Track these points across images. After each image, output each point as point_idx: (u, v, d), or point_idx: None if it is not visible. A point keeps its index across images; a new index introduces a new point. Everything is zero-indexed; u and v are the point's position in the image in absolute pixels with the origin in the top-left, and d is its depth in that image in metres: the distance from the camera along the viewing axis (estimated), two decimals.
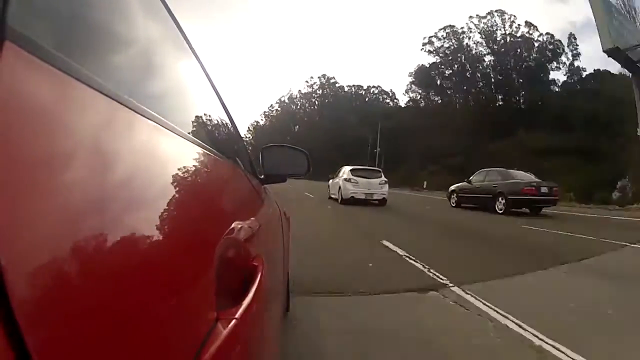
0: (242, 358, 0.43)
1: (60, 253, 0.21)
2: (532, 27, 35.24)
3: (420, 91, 42.43)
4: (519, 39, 35.41)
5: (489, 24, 36.69)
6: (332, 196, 11.86)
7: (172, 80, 0.69)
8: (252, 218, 0.74)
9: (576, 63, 33.25)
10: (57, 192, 0.22)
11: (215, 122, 0.92)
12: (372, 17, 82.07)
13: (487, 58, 37.03)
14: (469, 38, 38.00)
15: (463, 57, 38.21)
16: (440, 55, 39.88)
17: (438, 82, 40.48)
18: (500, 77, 35.39)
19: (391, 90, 59.22)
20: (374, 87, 57.07)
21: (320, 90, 60.64)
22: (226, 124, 1.07)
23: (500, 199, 9.21)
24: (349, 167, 11.00)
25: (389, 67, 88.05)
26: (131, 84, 0.44)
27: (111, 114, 0.32)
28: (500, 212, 9.08)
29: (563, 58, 34.12)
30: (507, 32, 36.03)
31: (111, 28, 0.42)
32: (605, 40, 13.61)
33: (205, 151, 0.61)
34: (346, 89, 58.84)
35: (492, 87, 36.06)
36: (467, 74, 38.01)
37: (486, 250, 4.49)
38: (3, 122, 0.19)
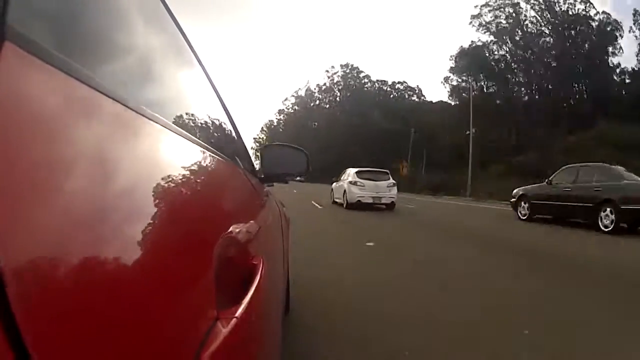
0: (242, 358, 0.43)
1: (60, 253, 0.21)
2: (588, 4, 28.80)
3: (464, 78, 33.54)
4: (577, 17, 28.94)
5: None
6: (337, 200, 10.96)
7: (172, 80, 0.69)
8: (252, 218, 0.74)
9: None
10: (57, 193, 0.22)
11: (215, 121, 0.92)
12: (395, 6, 76.98)
13: (546, 38, 29.83)
14: (525, 14, 30.47)
15: (520, 35, 30.68)
16: (492, 31, 31.88)
17: (494, 68, 31.86)
18: (562, 60, 28.11)
19: (417, 86, 54.57)
20: (398, 82, 51.76)
21: (342, 82, 54.71)
22: (226, 123, 1.07)
23: (607, 209, 6.01)
24: (354, 169, 10.26)
25: (414, 63, 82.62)
26: (131, 83, 0.44)
27: (111, 114, 0.32)
28: (607, 229, 5.93)
29: (622, 41, 28.00)
30: (563, 8, 29.25)
31: (111, 28, 0.42)
32: None
33: (205, 151, 0.61)
34: (370, 81, 53.15)
35: (557, 72, 28.23)
36: (527, 54, 30.43)
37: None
38: (3, 123, 0.19)
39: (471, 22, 33.20)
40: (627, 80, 27.49)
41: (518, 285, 3.00)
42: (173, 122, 0.50)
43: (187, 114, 0.69)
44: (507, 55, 32.23)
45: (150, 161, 0.38)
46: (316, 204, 10.86)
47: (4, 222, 0.18)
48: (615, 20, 28.48)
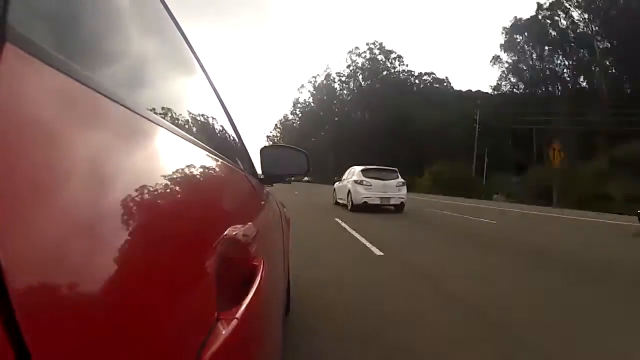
0: (243, 358, 0.43)
1: (60, 253, 0.21)
2: None
3: (518, 56, 26.70)
4: None
5: None
6: (340, 201, 10.17)
7: (172, 82, 0.69)
8: (252, 218, 0.74)
9: None
10: (57, 193, 0.22)
11: (215, 122, 0.92)
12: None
13: None
14: None
15: None
16: None
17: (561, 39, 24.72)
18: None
19: (446, 77, 49.49)
20: (425, 73, 46.03)
21: (369, 64, 46.87)
22: (226, 124, 1.07)
23: None
24: (359, 167, 9.42)
25: (438, 53, 74.68)
26: (130, 84, 0.44)
27: (110, 115, 0.32)
28: None
29: None
30: None
31: (111, 29, 0.42)
32: None
33: (205, 152, 0.61)
34: (401, 62, 46.13)
35: None
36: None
37: None
38: (3, 124, 0.19)
39: None
40: None
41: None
42: (173, 124, 0.50)
43: (187, 115, 0.69)
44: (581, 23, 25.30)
45: (150, 162, 0.38)
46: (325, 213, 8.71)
47: (4, 222, 0.18)
48: None
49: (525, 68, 29.55)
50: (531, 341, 1.92)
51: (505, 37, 30.51)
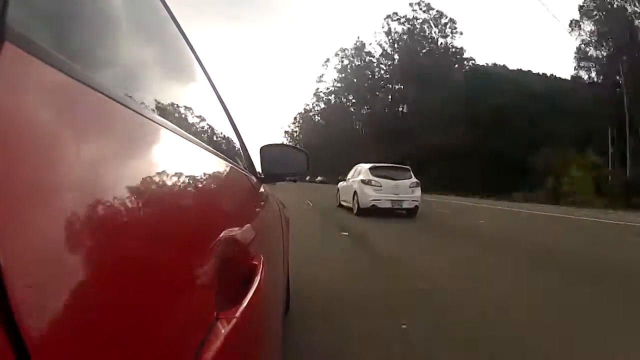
0: (242, 357, 0.44)
1: (60, 253, 0.21)
2: None
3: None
4: None
5: None
6: (343, 204, 9.00)
7: (171, 80, 0.69)
8: (252, 217, 0.74)
9: None
10: (57, 193, 0.22)
11: (214, 121, 0.92)
12: None
13: None
14: None
15: None
16: None
17: None
18: None
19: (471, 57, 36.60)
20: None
21: (415, 31, 35.16)
22: (225, 123, 1.07)
23: None
24: (367, 165, 8.31)
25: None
26: (130, 84, 0.44)
27: (110, 114, 0.32)
28: None
29: None
30: None
31: (111, 29, 0.42)
32: None
33: (204, 150, 0.61)
34: (450, 34, 34.71)
35: None
36: None
37: None
38: (2, 123, 0.19)
39: None
40: None
41: None
42: (174, 123, 0.50)
43: (187, 114, 0.69)
44: None
45: (150, 162, 0.38)
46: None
47: (4, 222, 0.18)
48: None
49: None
50: None
51: None
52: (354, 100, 42.72)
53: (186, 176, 0.46)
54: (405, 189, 7.80)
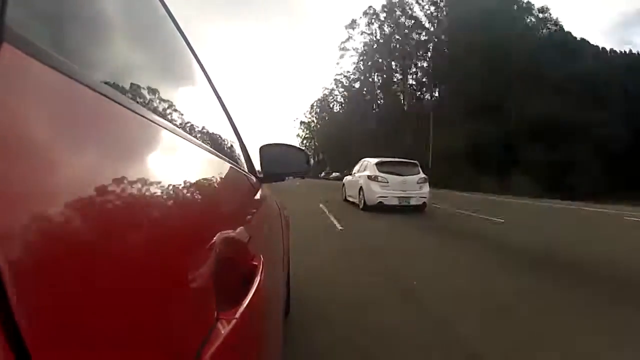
0: (243, 357, 0.43)
1: (60, 253, 0.21)
2: None
3: None
4: None
5: None
6: (349, 199, 8.95)
7: (170, 80, 0.69)
8: (252, 217, 0.74)
9: None
10: (57, 193, 0.22)
11: (213, 120, 0.92)
12: None
13: None
14: None
15: None
16: None
17: None
18: None
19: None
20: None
21: None
22: (224, 122, 1.07)
23: None
24: (374, 160, 8.05)
25: None
26: (128, 84, 0.44)
27: (109, 115, 0.32)
28: None
29: None
30: None
31: (110, 29, 0.42)
32: None
33: (204, 150, 0.61)
34: None
35: None
36: None
37: None
38: (1, 124, 0.19)
39: None
40: None
41: None
42: (173, 123, 0.50)
43: (185, 113, 0.69)
44: None
45: (149, 161, 0.38)
46: None
47: (4, 222, 0.18)
48: None
49: None
50: None
51: None
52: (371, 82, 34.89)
53: (185, 176, 0.46)
54: (413, 185, 7.53)
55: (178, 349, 0.31)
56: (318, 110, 49.51)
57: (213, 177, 0.61)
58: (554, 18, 29.35)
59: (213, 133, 0.87)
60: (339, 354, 1.74)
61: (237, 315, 0.41)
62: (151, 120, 0.40)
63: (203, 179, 0.54)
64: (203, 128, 0.78)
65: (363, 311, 2.26)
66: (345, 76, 40.55)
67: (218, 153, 0.72)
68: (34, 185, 0.20)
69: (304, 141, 56.49)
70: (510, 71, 22.69)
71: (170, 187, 0.39)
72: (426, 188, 7.72)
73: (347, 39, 37.55)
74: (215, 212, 0.54)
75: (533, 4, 29.73)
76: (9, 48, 0.20)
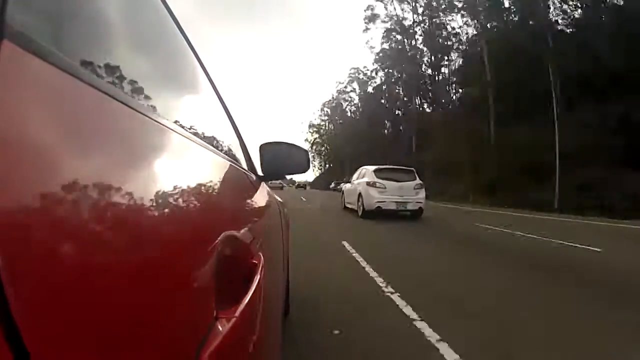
0: (242, 357, 0.44)
1: (59, 252, 0.21)
2: None
3: None
4: None
5: None
6: (348, 206, 9.41)
7: (170, 78, 0.69)
8: (252, 217, 0.74)
9: None
10: (57, 192, 0.22)
11: (213, 119, 0.92)
12: None
13: None
14: None
15: None
16: None
17: None
18: None
19: None
20: None
21: None
22: (224, 120, 1.07)
23: None
24: (372, 167, 8.49)
25: None
26: (129, 81, 0.44)
27: (109, 113, 0.32)
28: None
29: None
30: None
31: (111, 26, 0.42)
32: None
33: (203, 149, 0.61)
34: None
35: None
36: None
37: None
38: (2, 122, 0.19)
39: None
40: None
41: None
42: (172, 121, 0.50)
43: (186, 112, 0.69)
44: None
45: (149, 160, 0.38)
46: None
47: (3, 222, 0.18)
48: None
49: None
50: None
51: None
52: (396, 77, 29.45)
53: (185, 175, 0.45)
54: (410, 191, 7.88)
55: (178, 347, 0.31)
56: (329, 111, 46.31)
57: (213, 175, 0.61)
58: None
59: (213, 131, 0.87)
60: None
61: (237, 314, 0.41)
62: (152, 118, 0.40)
63: (203, 177, 0.54)
64: (203, 126, 0.78)
65: None
66: (363, 72, 36.37)
67: (217, 151, 0.72)
68: (34, 183, 0.20)
69: (314, 146, 53.83)
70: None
71: (170, 186, 0.39)
72: (422, 194, 8.06)
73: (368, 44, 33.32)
74: (214, 209, 0.54)
75: None
76: (9, 45, 0.20)
